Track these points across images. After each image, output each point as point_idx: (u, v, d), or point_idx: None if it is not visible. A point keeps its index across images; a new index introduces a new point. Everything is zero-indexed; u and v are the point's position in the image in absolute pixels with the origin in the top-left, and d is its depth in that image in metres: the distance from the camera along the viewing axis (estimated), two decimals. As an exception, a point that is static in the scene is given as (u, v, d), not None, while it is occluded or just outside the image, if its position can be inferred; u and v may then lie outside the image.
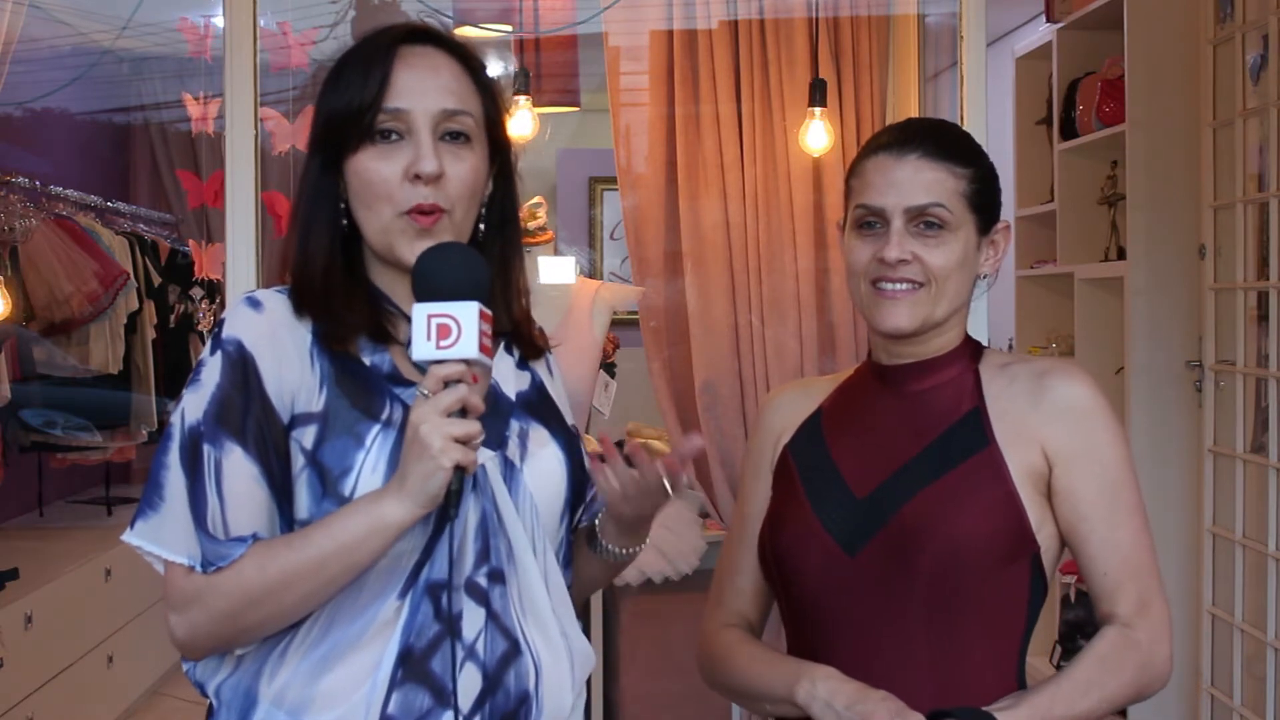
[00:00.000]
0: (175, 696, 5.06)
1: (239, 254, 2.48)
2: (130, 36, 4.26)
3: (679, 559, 3.45)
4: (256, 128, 2.48)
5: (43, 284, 4.80)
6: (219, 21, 2.81)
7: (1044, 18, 4.27)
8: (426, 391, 1.26)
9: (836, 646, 1.57)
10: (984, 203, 1.60)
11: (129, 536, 1.34)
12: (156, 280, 5.41)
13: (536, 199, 3.48)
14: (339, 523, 1.29)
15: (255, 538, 1.31)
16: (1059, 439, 1.56)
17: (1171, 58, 3.51)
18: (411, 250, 1.35)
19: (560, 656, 1.41)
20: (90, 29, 4.51)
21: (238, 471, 1.31)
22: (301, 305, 1.39)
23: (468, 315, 1.26)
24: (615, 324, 3.60)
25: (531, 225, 3.38)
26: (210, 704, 1.39)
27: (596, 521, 1.51)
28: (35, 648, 4.02)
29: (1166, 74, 3.52)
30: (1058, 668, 3.62)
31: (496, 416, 1.43)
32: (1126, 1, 3.59)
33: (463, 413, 1.26)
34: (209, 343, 1.37)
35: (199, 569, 1.31)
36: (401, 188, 1.36)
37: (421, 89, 1.38)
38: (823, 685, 1.51)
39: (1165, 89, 3.53)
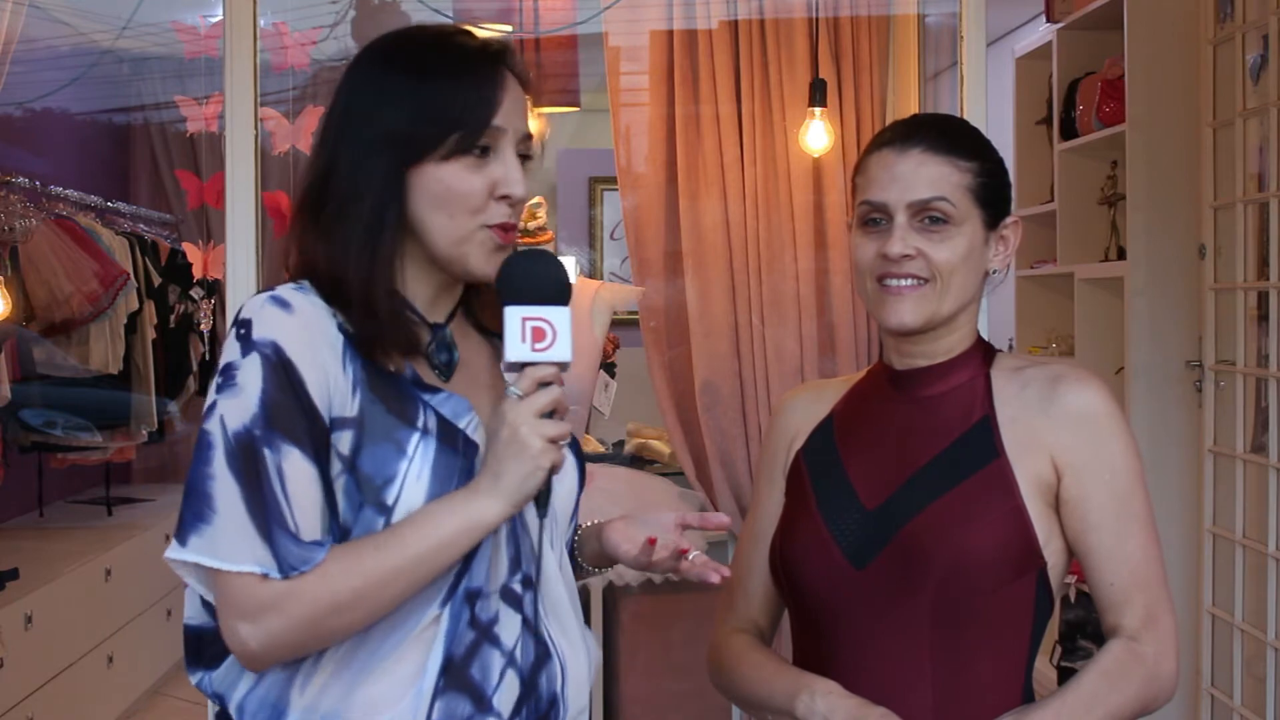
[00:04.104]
0: (175, 696, 5.05)
1: (239, 254, 2.48)
2: (130, 37, 4.27)
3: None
4: (256, 128, 2.48)
5: (43, 284, 4.80)
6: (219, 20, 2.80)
7: (1044, 18, 4.27)
8: (519, 392, 1.29)
9: (841, 658, 1.56)
10: (991, 197, 1.58)
11: (181, 554, 1.27)
12: (156, 280, 5.40)
13: (536, 199, 3.48)
14: (432, 522, 1.29)
15: (329, 541, 1.29)
16: (1069, 447, 1.54)
17: (1171, 58, 3.50)
18: (487, 262, 1.37)
19: (580, 655, 1.43)
20: (90, 29, 4.51)
21: (299, 474, 1.28)
22: (359, 317, 1.34)
23: (562, 320, 1.31)
24: (615, 324, 3.60)
25: (531, 225, 3.39)
26: (229, 716, 1.35)
27: (575, 536, 1.53)
28: (35, 648, 4.02)
29: (1166, 74, 3.52)
30: (1058, 667, 3.62)
31: None
32: (1126, 1, 3.59)
33: (551, 414, 1.30)
34: (235, 345, 1.31)
35: (275, 575, 1.25)
36: (488, 203, 1.38)
37: (514, 110, 1.40)
38: (822, 700, 1.50)
39: (1165, 89, 3.52)
